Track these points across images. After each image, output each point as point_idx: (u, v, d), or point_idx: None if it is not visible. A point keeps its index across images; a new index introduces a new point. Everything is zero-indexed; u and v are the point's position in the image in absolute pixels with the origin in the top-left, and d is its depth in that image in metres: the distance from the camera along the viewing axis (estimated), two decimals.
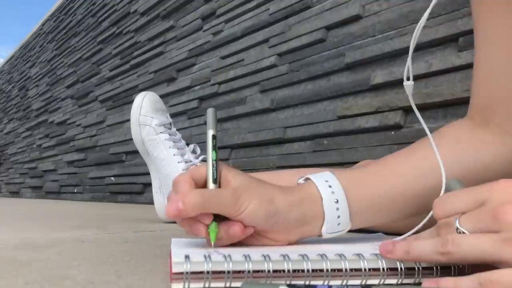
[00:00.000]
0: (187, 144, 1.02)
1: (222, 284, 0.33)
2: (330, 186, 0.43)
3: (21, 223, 1.04)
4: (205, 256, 0.33)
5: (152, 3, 2.29)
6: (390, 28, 1.15)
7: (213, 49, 1.85)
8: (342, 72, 1.27)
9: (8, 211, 1.70)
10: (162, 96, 1.42)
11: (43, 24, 4.17)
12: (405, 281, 0.34)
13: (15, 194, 4.17)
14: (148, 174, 1.07)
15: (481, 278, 0.28)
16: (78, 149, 2.93)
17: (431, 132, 0.44)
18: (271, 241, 0.43)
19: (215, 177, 0.42)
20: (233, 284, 0.33)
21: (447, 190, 0.38)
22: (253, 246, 0.42)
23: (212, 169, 0.42)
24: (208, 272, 0.32)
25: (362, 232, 0.57)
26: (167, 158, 0.98)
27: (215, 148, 0.43)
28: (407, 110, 1.07)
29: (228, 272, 0.33)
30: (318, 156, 1.27)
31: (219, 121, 1.69)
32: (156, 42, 2.26)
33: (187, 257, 0.33)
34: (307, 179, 0.46)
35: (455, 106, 0.97)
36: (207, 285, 0.32)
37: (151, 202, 1.13)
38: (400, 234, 0.42)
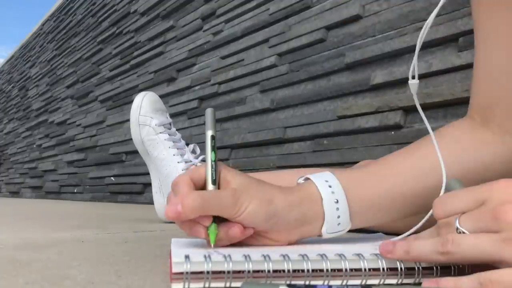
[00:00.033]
0: (187, 144, 1.02)
1: (222, 284, 0.33)
2: (330, 186, 0.43)
3: (21, 223, 1.04)
4: (205, 256, 0.33)
5: (152, 3, 2.29)
6: (390, 28, 1.15)
7: (213, 49, 1.85)
8: (342, 72, 1.27)
9: (8, 211, 1.70)
10: (162, 96, 1.42)
11: (43, 24, 4.17)
12: (405, 281, 0.34)
13: (15, 194, 4.17)
14: (148, 174, 1.07)
15: (481, 278, 0.28)
16: (78, 149, 2.93)
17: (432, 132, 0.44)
18: (271, 241, 0.43)
19: (214, 178, 0.42)
20: (233, 284, 0.33)
21: (447, 190, 0.38)
22: (253, 246, 0.42)
23: (211, 170, 0.42)
24: (208, 272, 0.32)
25: (362, 232, 0.57)
26: (167, 158, 0.98)
27: (214, 148, 0.43)
28: (407, 110, 1.07)
29: (228, 272, 0.33)
30: (318, 156, 1.27)
31: (219, 121, 1.69)
32: (156, 42, 2.26)
33: (187, 257, 0.33)
34: (307, 179, 0.45)
35: (455, 106, 0.97)
36: (207, 285, 0.32)
37: (151, 202, 1.13)
38: (400, 234, 0.42)
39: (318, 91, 1.32)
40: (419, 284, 0.34)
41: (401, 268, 0.34)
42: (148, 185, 2.07)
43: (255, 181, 0.43)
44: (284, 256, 0.34)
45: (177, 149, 0.98)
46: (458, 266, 0.34)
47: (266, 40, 1.56)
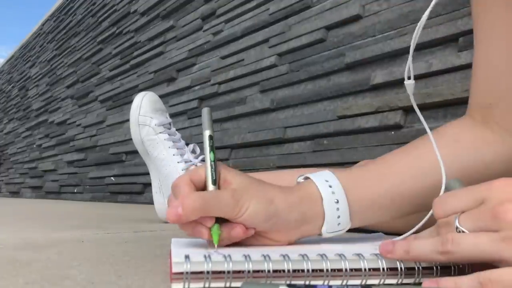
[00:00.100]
0: (187, 144, 1.02)
1: (222, 284, 0.33)
2: (330, 186, 0.43)
3: (21, 223, 1.04)
4: (205, 256, 0.33)
5: (152, 3, 2.29)
6: (390, 28, 1.15)
7: (213, 49, 1.85)
8: (342, 72, 1.27)
9: (8, 211, 1.70)
10: (162, 96, 1.42)
11: (43, 24, 4.17)
12: (405, 281, 0.34)
13: (15, 194, 4.17)
14: (148, 174, 1.06)
15: (481, 277, 0.28)
16: (78, 149, 2.93)
17: (430, 131, 0.44)
18: (271, 241, 0.43)
19: (214, 178, 0.42)
20: (233, 284, 0.33)
21: (447, 189, 0.38)
22: (253, 246, 0.42)
23: (211, 170, 0.42)
24: (208, 272, 0.32)
25: (362, 232, 0.57)
26: (167, 158, 0.98)
27: (212, 148, 0.43)
28: (407, 110, 1.07)
29: (228, 272, 0.33)
30: (318, 156, 1.27)
31: (219, 121, 1.69)
32: (156, 42, 2.26)
33: (187, 257, 0.33)
34: (307, 178, 0.45)
35: (455, 106, 0.97)
36: (207, 285, 0.32)
37: (151, 202, 1.13)
38: (399, 234, 0.42)
39: (318, 91, 1.32)
40: (419, 284, 0.34)
41: (401, 268, 0.34)
42: (148, 185, 2.07)
43: (255, 181, 0.43)
44: (284, 256, 0.34)
45: (177, 149, 0.98)
46: (458, 266, 0.34)
47: (266, 40, 1.56)
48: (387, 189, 0.45)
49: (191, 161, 0.98)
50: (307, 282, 0.33)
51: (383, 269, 0.34)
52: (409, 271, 0.34)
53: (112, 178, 2.42)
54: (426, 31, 1.03)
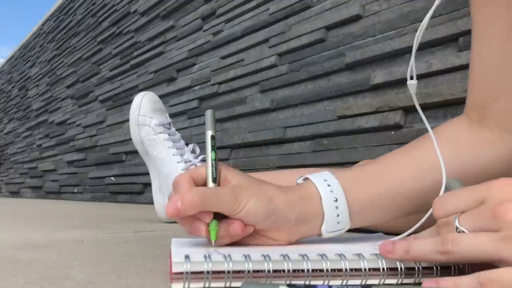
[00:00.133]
0: (187, 144, 1.02)
1: (222, 284, 0.33)
2: (329, 185, 0.43)
3: (21, 223, 1.04)
4: (205, 256, 0.33)
5: (152, 3, 2.29)
6: (390, 28, 1.15)
7: (213, 49, 1.85)
8: (342, 72, 1.27)
9: (8, 211, 1.70)
10: (162, 96, 1.42)
11: (43, 24, 4.17)
12: (405, 281, 0.34)
13: (15, 194, 4.17)
14: (148, 174, 1.07)
15: (481, 277, 0.28)
16: (78, 149, 2.93)
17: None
18: (271, 240, 0.43)
19: (214, 176, 0.42)
20: (233, 284, 0.33)
21: (447, 189, 0.38)
22: (253, 246, 0.42)
23: (212, 168, 0.42)
24: (208, 272, 0.32)
25: (362, 232, 0.57)
26: (167, 158, 0.98)
27: (214, 148, 0.43)
28: (407, 110, 1.07)
29: (228, 272, 0.33)
30: (318, 156, 1.27)
31: (219, 121, 1.69)
32: (156, 42, 2.26)
33: (187, 257, 0.33)
34: (306, 178, 0.46)
35: (455, 106, 0.97)
36: (207, 285, 0.32)
37: (151, 202, 1.13)
38: (399, 234, 0.42)
39: (318, 91, 1.32)
40: (419, 284, 0.34)
41: (401, 268, 0.34)
42: (148, 185, 2.08)
43: (255, 180, 0.43)
44: (284, 256, 0.34)
45: (177, 149, 0.98)
46: (458, 266, 0.34)
47: (266, 40, 1.56)
48: (387, 189, 0.45)
49: (191, 161, 0.98)
50: (307, 282, 0.33)
51: (383, 269, 0.34)
52: (409, 271, 0.34)
53: (112, 178, 2.42)
54: (426, 31, 1.03)
